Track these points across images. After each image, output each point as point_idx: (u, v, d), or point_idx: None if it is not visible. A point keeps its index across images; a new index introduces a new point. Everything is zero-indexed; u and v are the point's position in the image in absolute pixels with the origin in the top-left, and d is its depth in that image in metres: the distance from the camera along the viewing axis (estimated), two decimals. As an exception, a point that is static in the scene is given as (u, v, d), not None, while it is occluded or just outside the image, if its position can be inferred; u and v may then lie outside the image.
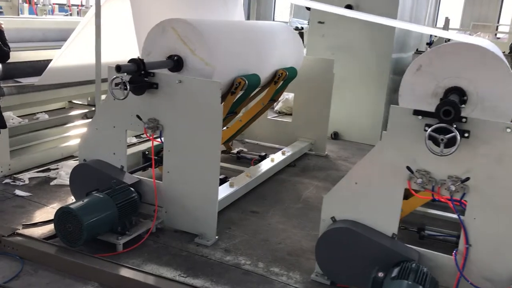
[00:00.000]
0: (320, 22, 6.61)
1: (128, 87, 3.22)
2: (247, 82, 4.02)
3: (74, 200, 3.90)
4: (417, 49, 6.78)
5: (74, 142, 5.23)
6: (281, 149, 5.47)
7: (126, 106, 3.53)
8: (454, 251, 2.72)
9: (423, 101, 3.10)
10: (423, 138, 2.63)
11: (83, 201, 3.16)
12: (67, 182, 4.30)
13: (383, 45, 6.30)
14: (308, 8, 11.62)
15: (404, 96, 3.14)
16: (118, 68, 3.19)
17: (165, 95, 3.41)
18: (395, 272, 2.56)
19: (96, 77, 3.82)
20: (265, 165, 4.80)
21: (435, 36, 9.09)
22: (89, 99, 6.87)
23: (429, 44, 6.54)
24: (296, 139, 5.82)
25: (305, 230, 3.78)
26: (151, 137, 3.51)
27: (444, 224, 3.91)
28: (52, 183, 4.33)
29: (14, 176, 4.37)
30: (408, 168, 2.69)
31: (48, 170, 4.65)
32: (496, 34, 17.35)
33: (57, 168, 4.67)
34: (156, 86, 3.42)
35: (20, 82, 4.42)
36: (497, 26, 17.61)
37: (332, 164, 5.61)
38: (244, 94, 4.24)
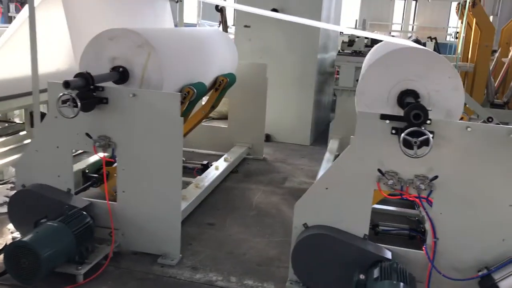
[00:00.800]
0: (246, 26, 6.63)
1: (79, 104, 2.97)
2: (195, 91, 3.90)
3: (13, 231, 3.55)
4: (339, 50, 7.06)
5: None
6: (219, 155, 5.41)
7: (71, 124, 3.25)
8: (424, 246, 2.87)
9: (378, 104, 3.21)
10: (390, 141, 2.75)
11: (36, 232, 2.86)
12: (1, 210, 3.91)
13: (309, 46, 6.48)
14: (218, 10, 11.63)
15: (361, 101, 3.23)
16: (67, 84, 2.93)
17: (117, 110, 3.20)
18: (376, 273, 2.63)
19: (33, 93, 3.47)
20: (211, 173, 4.70)
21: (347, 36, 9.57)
22: (-1, 115, 6.27)
23: (351, 44, 6.84)
24: (233, 144, 5.79)
25: (266, 238, 3.76)
26: (102, 157, 3.28)
27: (391, 218, 4.10)
28: (-20, 214, 3.88)
29: None
30: (379, 170, 2.78)
31: (-27, 199, 4.16)
32: (390, 32, 18.71)
33: (-17, 196, 4.20)
34: (106, 101, 3.19)
35: None
36: (391, 25, 18.96)
37: (272, 167, 5.65)
38: (190, 103, 4.11)
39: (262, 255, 3.49)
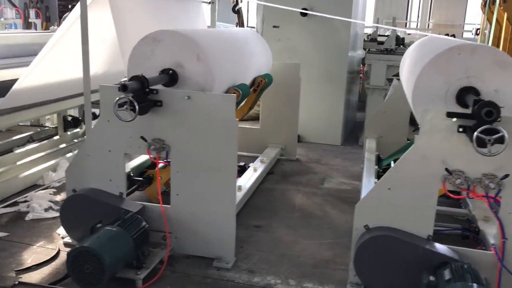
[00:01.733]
0: (275, 26, 6.58)
1: (137, 107, 2.94)
2: (241, 92, 3.87)
3: (63, 236, 3.53)
4: (368, 49, 7.00)
5: (35, 169, 4.74)
6: (252, 156, 5.38)
7: (124, 128, 3.23)
8: (493, 246, 2.81)
9: (435, 102, 3.15)
10: (456, 139, 2.69)
11: (97, 237, 2.83)
12: (44, 215, 3.92)
13: (339, 45, 6.41)
14: (235, 11, 11.60)
15: (417, 98, 3.16)
16: (124, 87, 2.90)
17: (171, 113, 3.17)
18: (447, 274, 2.58)
19: (85, 96, 3.44)
20: (250, 176, 4.66)
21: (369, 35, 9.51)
22: (32, 120, 6.28)
23: (373, 41, 6.78)
24: (266, 145, 5.75)
25: (316, 240, 3.71)
26: (156, 159, 3.24)
27: (437, 218, 4.02)
28: (27, 218, 3.86)
29: (-20, 215, 3.85)
30: (446, 170, 2.73)
31: (16, 203, 4.14)
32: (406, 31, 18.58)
33: (26, 201, 4.19)
34: (160, 104, 3.16)
35: (-21, 108, 3.89)
36: (406, 23, 18.85)
37: (307, 167, 5.60)
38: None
39: (316, 257, 3.44)
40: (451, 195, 2.82)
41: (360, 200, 2.98)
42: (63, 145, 5.61)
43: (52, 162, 4.95)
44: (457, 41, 3.53)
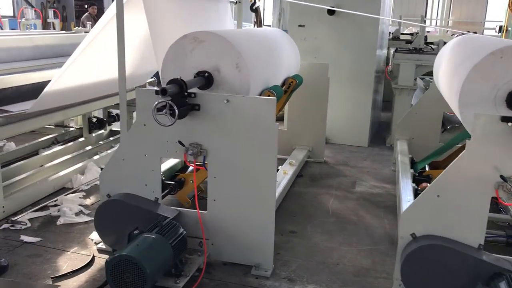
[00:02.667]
0: (300, 26, 6.47)
1: (177, 111, 2.86)
2: (275, 94, 3.77)
3: (97, 241, 3.48)
4: (397, 48, 6.85)
5: (63, 172, 4.70)
6: (280, 159, 5.26)
7: (161, 132, 3.16)
8: (548, 256, 2.69)
9: (483, 105, 3.03)
10: (510, 144, 2.58)
11: (136, 245, 2.76)
12: (76, 220, 3.87)
13: (366, 44, 6.27)
14: (253, 10, 11.49)
15: (466, 105, 3.03)
16: (164, 91, 2.83)
17: (209, 117, 3.09)
18: (503, 286, 2.46)
19: (120, 99, 3.37)
20: (281, 179, 4.56)
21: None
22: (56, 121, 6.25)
23: (410, 41, 6.63)
24: (293, 147, 5.65)
25: (354, 246, 3.61)
26: (193, 164, 3.17)
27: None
28: (58, 223, 3.81)
29: (12, 219, 3.80)
30: (501, 177, 2.61)
31: (46, 207, 4.10)
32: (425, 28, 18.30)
33: (56, 205, 4.14)
34: (198, 108, 3.08)
35: (9, 111, 3.83)
36: (425, 20, 18.52)
37: (335, 170, 5.49)
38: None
39: (355, 265, 3.34)
40: (503, 202, 2.70)
41: (407, 208, 2.87)
42: (89, 147, 5.57)
43: (80, 164, 4.91)
44: (495, 42, 3.39)
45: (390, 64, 7.36)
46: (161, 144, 3.21)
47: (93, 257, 3.31)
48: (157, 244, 2.81)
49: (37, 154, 5.56)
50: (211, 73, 3.36)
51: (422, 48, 6.47)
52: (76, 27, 6.16)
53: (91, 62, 4.14)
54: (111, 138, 6.02)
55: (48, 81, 4.13)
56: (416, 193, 3.78)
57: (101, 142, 5.81)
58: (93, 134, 6.01)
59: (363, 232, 3.85)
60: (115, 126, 6.35)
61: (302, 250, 3.52)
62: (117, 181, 3.35)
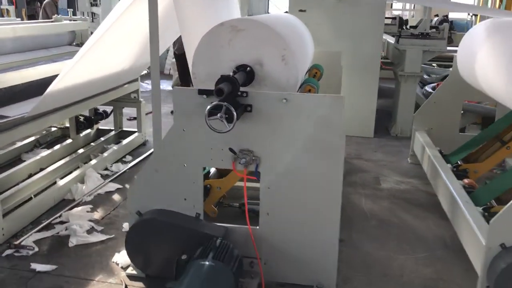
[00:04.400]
0: (301, 11, 6.07)
1: (235, 114, 2.41)
2: (316, 88, 3.38)
3: (123, 265, 2.99)
4: (400, 33, 6.56)
5: (62, 182, 4.12)
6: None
7: (203, 138, 2.71)
8: None
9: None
10: None
11: (196, 276, 2.31)
12: (90, 239, 3.38)
13: (372, 29, 5.95)
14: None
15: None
16: (220, 91, 2.38)
17: (262, 119, 2.66)
18: None
19: (153, 101, 2.85)
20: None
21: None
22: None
23: (436, 27, 6.36)
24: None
25: (409, 254, 3.29)
26: (243, 174, 2.73)
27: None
28: (70, 244, 3.28)
29: (15, 243, 3.23)
30: None
31: (51, 225, 3.55)
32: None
33: (62, 221, 3.60)
34: (250, 109, 2.64)
35: (6, 117, 3.23)
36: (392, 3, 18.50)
37: (351, 164, 5.16)
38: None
39: (419, 276, 3.03)
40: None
41: (497, 216, 2.56)
42: (81, 150, 4.97)
43: (78, 172, 4.33)
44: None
45: (383, 50, 7.12)
46: (204, 151, 2.76)
47: (126, 286, 2.83)
48: (218, 273, 2.38)
49: (20, 160, 4.94)
50: (252, 68, 2.92)
51: (429, 33, 6.22)
52: (56, 16, 5.46)
53: (102, 55, 3.59)
54: (102, 139, 5.43)
55: (45, 78, 3.57)
56: (467, 192, 3.50)
57: (92, 144, 5.21)
58: (81, 135, 5.42)
59: (411, 236, 3.55)
60: (103, 125, 5.78)
61: (358, 262, 3.17)
62: (149, 196, 2.87)
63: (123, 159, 5.14)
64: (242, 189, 3.68)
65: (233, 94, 2.51)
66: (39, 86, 3.82)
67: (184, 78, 7.48)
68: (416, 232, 3.61)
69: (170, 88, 9.35)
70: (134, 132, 5.70)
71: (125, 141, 5.36)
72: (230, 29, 2.91)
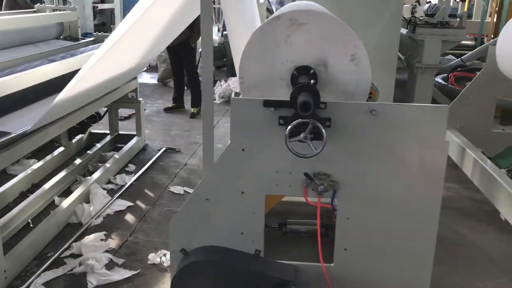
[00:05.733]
0: (312, -1, 5.54)
1: (324, 134, 1.90)
2: (378, 92, 2.90)
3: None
4: (415, 22, 6.13)
5: (65, 203, 3.50)
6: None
7: (267, 159, 2.19)
8: None
9: None
10: None
11: None
12: (113, 277, 2.88)
13: (389, 18, 5.49)
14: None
15: None
16: (306, 106, 1.86)
17: (343, 135, 2.15)
18: None
19: (204, 115, 2.27)
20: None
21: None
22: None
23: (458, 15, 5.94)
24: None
25: (487, 280, 2.89)
26: (317, 203, 2.22)
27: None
28: (90, 286, 2.71)
29: (21, 289, 2.65)
30: None
31: (61, 260, 2.96)
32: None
33: (74, 254, 3.02)
34: (328, 124, 2.13)
35: (7, 133, 2.60)
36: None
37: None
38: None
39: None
40: None
41: None
42: (78, 161, 4.34)
43: (81, 190, 3.72)
44: None
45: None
46: (267, 176, 2.23)
47: None
48: (310, 336, 1.88)
49: (5, 173, 4.26)
50: (315, 70, 2.40)
51: (448, 22, 5.82)
52: (39, 4, 4.75)
53: (118, 55, 2.99)
54: (98, 145, 4.79)
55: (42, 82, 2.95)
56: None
57: (89, 152, 4.58)
58: (73, 141, 4.77)
59: (478, 256, 3.15)
60: (95, 128, 5.14)
61: (434, 293, 2.74)
62: (197, 231, 2.33)
63: (126, 168, 4.54)
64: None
65: (316, 106, 1.99)
66: (35, 92, 3.20)
67: (176, 71, 6.87)
68: (481, 250, 3.21)
69: (155, 81, 8.71)
70: (132, 135, 5.08)
71: (125, 147, 4.75)
72: (288, 23, 2.37)
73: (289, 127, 1.91)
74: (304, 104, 1.86)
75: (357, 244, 2.29)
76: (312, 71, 2.37)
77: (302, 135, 1.91)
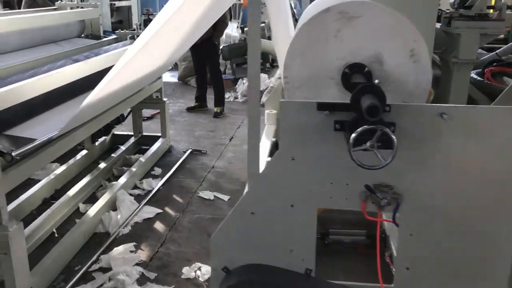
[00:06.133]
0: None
1: (395, 141, 1.66)
2: (433, 92, 2.64)
3: None
4: (450, 15, 5.81)
5: (92, 211, 3.31)
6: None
7: (320, 169, 1.95)
8: None
9: None
10: None
11: None
12: None
13: (424, 15, 5.19)
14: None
15: None
16: (375, 109, 1.61)
17: (408, 142, 1.90)
18: None
19: (250, 121, 2.05)
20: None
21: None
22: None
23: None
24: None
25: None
26: (378, 218, 1.98)
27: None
28: (122, 303, 2.52)
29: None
30: None
31: (89, 275, 2.77)
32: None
33: (102, 268, 2.82)
34: (393, 129, 1.88)
35: (32, 139, 2.41)
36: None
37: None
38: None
39: None
40: None
41: None
42: (102, 165, 4.15)
43: (107, 196, 3.52)
44: None
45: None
46: (320, 188, 1.99)
47: None
48: None
49: (28, 178, 4.09)
50: (369, 68, 2.16)
51: (487, 14, 5.49)
52: (61, 1, 4.56)
53: (151, 52, 2.78)
54: (122, 148, 4.61)
55: (70, 83, 2.75)
56: None
57: (113, 155, 4.39)
58: (96, 143, 4.59)
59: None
60: (118, 129, 4.95)
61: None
62: (241, 247, 2.11)
63: (151, 171, 4.34)
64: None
65: (382, 109, 1.75)
66: (59, 94, 3.00)
67: (199, 69, 6.66)
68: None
69: (176, 80, 8.51)
70: (156, 137, 4.88)
71: (151, 150, 4.55)
72: (338, 17, 2.13)
73: (353, 134, 1.66)
74: (372, 108, 1.61)
75: (421, 263, 2.04)
76: (366, 69, 2.14)
77: (368, 143, 1.66)
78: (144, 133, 5.01)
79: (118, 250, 2.96)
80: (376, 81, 1.87)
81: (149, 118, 5.94)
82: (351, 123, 1.78)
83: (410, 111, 1.89)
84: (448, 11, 6.06)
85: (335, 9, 2.14)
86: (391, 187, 1.95)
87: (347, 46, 2.14)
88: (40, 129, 2.58)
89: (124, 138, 4.90)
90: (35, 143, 2.38)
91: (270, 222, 2.07)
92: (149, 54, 2.79)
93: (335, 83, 2.19)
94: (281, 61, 2.32)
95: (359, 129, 1.66)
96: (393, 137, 1.67)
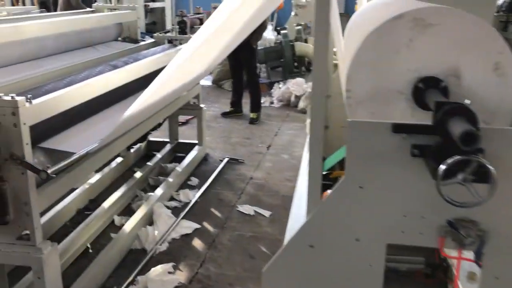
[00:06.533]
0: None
1: (495, 175, 1.40)
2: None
3: None
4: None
5: (127, 227, 3.13)
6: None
7: (392, 199, 1.70)
8: None
9: None
10: None
11: None
12: None
13: (478, 9, 4.87)
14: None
15: None
16: (473, 137, 1.35)
17: (500, 170, 1.62)
18: None
19: (311, 139, 1.81)
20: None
21: None
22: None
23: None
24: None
25: None
26: (458, 256, 1.72)
27: None
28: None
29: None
30: None
31: (126, 298, 2.59)
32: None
33: (140, 291, 2.64)
34: (482, 156, 1.61)
35: (70, 153, 2.24)
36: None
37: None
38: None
39: None
40: None
41: None
42: (139, 174, 3.99)
43: (144, 210, 3.34)
44: None
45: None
46: (391, 220, 1.74)
47: None
48: None
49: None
50: (446, 82, 1.90)
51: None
52: (98, 4, 4.46)
53: (197, 58, 2.58)
54: (158, 155, 4.44)
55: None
56: None
57: (149, 164, 4.22)
58: (132, 151, 4.44)
59: None
60: (153, 135, 4.78)
61: None
62: (298, 283, 1.88)
63: (188, 181, 4.15)
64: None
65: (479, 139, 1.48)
66: (96, 102, 2.83)
67: (235, 73, 6.46)
68: None
69: (210, 83, 8.33)
70: (193, 144, 4.69)
71: (187, 159, 4.36)
72: (412, 24, 1.88)
73: (443, 165, 1.41)
74: (470, 136, 1.35)
75: (507, 309, 1.77)
76: (443, 84, 1.88)
77: (460, 176, 1.41)
78: (180, 140, 4.83)
79: (156, 271, 2.76)
80: (467, 101, 1.60)
81: (184, 123, 5.78)
82: (436, 150, 1.52)
83: (502, 135, 1.62)
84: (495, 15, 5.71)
85: (409, 15, 1.88)
86: (476, 222, 1.68)
87: (420, 57, 1.89)
88: (77, 140, 2.41)
89: (159, 145, 4.73)
90: (73, 158, 2.21)
91: (331, 257, 1.82)
92: (193, 61, 2.60)
93: (405, 98, 1.94)
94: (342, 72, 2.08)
95: (451, 160, 1.40)
96: (492, 169, 1.41)
